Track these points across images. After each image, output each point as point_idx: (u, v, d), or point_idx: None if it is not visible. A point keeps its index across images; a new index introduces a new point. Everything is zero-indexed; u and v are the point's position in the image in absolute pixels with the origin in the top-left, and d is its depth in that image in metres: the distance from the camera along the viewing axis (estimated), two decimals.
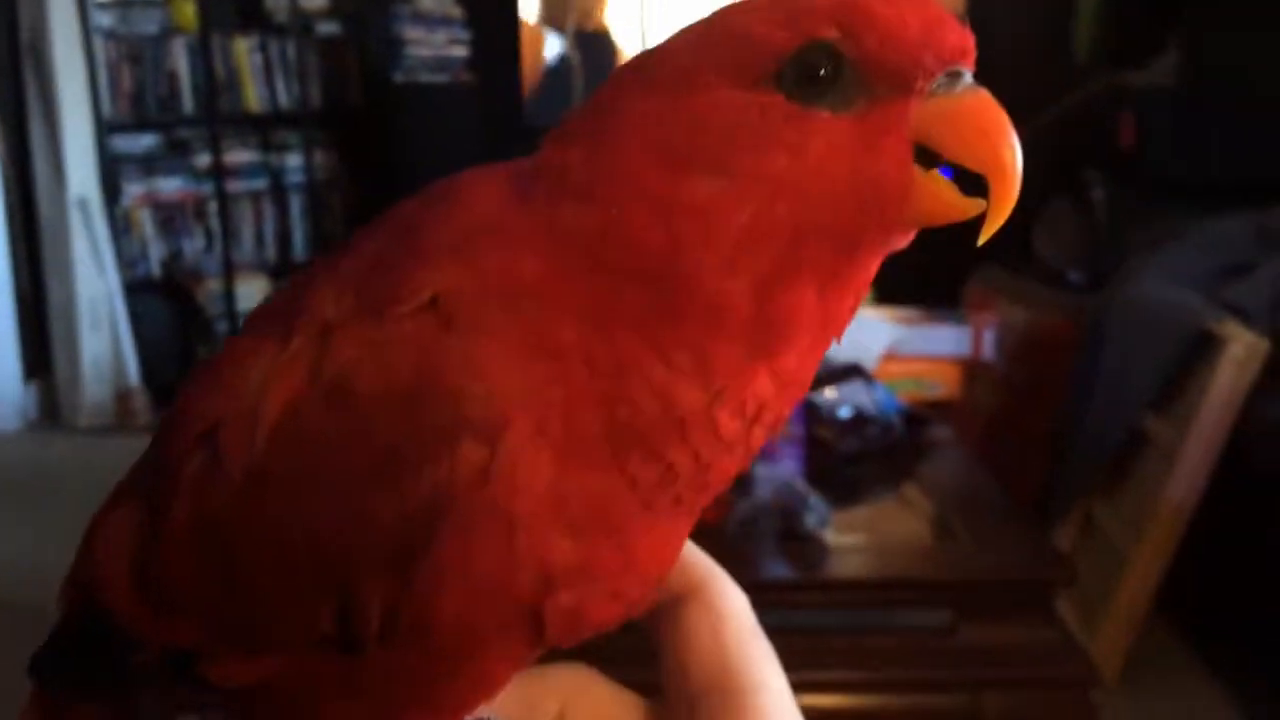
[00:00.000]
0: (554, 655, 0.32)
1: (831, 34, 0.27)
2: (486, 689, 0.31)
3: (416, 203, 0.31)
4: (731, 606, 0.34)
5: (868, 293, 0.30)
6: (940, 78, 0.28)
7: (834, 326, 0.29)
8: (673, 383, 0.27)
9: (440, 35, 3.71)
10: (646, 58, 0.29)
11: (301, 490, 0.27)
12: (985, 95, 0.28)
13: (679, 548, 0.31)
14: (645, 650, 0.35)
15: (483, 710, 0.33)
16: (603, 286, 0.27)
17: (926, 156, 0.28)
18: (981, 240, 0.28)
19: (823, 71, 0.27)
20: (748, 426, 0.28)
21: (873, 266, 0.29)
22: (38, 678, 0.35)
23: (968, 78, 0.28)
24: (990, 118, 0.27)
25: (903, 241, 0.29)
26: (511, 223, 0.28)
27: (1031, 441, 2.46)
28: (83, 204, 3.44)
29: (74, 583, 0.33)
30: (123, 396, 3.51)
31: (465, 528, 0.26)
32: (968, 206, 0.27)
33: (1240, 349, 1.98)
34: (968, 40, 0.28)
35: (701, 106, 0.27)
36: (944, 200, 0.27)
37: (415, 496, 0.26)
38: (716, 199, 0.27)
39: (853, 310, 0.29)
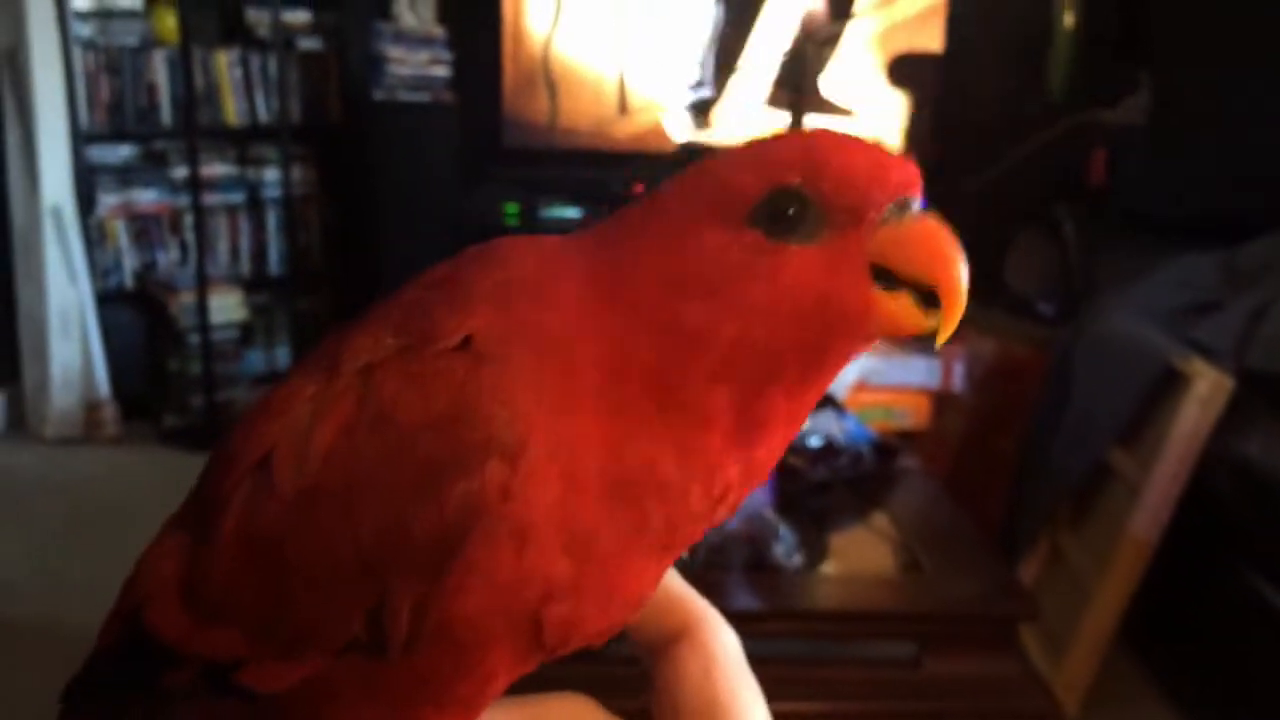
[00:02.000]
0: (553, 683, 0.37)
1: (795, 180, 0.32)
2: (490, 690, 0.34)
3: (451, 263, 0.36)
4: (723, 647, 0.36)
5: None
6: (890, 208, 0.32)
7: (799, 422, 0.34)
8: (658, 458, 0.32)
9: (422, 54, 3.71)
10: (653, 197, 0.34)
11: (349, 504, 0.31)
12: (931, 221, 0.32)
13: (653, 584, 0.35)
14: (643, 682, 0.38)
15: None
16: (613, 368, 0.32)
17: (888, 277, 0.32)
18: (938, 345, 0.32)
19: (790, 211, 0.32)
20: (714, 505, 0.33)
21: (837, 371, 0.33)
22: (68, 703, 0.38)
23: (915, 205, 0.32)
24: (936, 240, 0.32)
25: (866, 349, 0.33)
26: (547, 283, 0.33)
27: (999, 472, 2.48)
28: (56, 213, 3.42)
29: (119, 611, 0.36)
30: (91, 407, 3.48)
31: (489, 535, 0.30)
32: (922, 322, 0.32)
33: (1205, 387, 2.00)
34: (912, 174, 0.33)
35: (694, 243, 0.32)
36: (901, 316, 0.32)
37: (450, 506, 0.30)
38: (706, 322, 0.31)
39: (814, 405, 0.34)
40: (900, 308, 0.32)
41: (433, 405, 0.31)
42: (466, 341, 0.32)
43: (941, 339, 0.32)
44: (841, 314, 0.32)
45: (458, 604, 0.31)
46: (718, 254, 0.32)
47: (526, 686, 0.36)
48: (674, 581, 0.38)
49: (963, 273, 0.31)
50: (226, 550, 0.33)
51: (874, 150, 0.33)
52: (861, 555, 1.52)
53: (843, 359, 0.33)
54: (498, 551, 0.30)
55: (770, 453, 0.33)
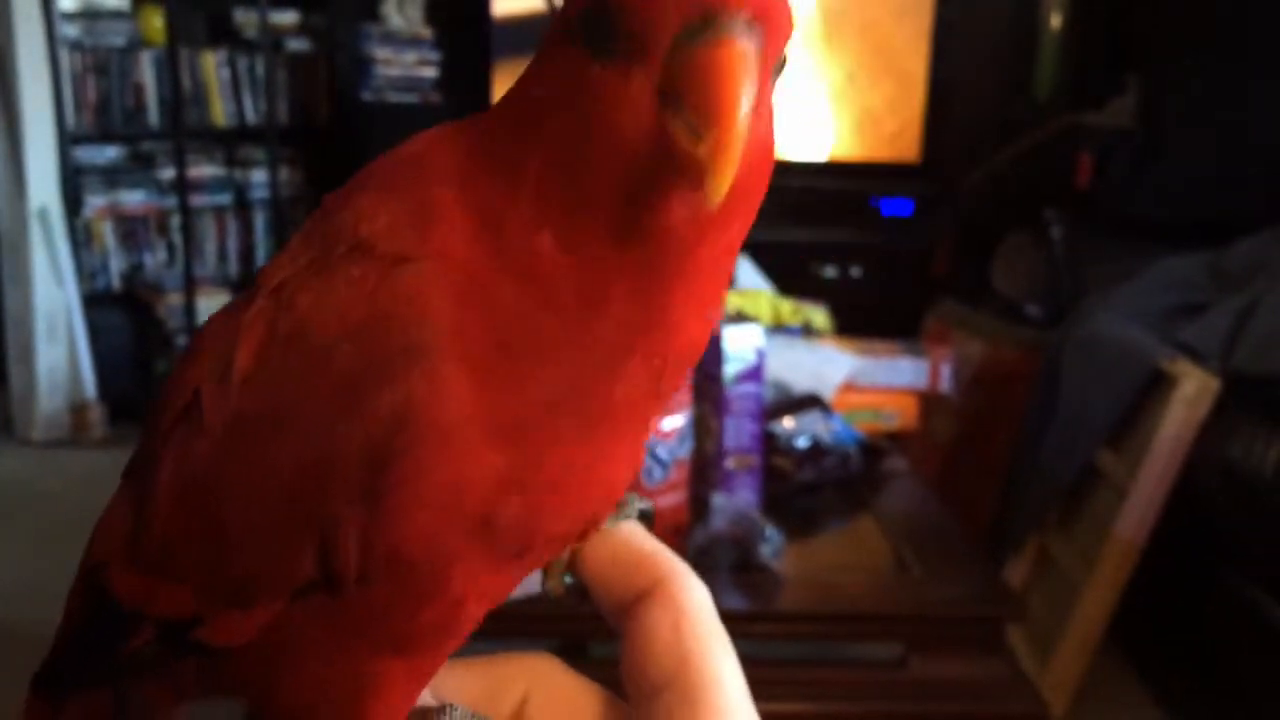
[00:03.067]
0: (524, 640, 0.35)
1: None
2: (462, 616, 0.32)
3: (367, 167, 0.33)
4: (693, 602, 0.34)
5: (729, 278, 0.30)
6: (688, 28, 0.26)
7: (704, 294, 0.30)
8: (540, 320, 0.29)
9: (410, 55, 3.71)
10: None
11: (275, 432, 0.29)
12: (723, 48, 0.26)
13: (623, 468, 0.33)
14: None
15: (449, 700, 0.34)
16: (491, 227, 0.29)
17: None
18: (711, 199, 0.26)
19: (599, 27, 0.27)
20: (651, 374, 0.30)
21: (677, 224, 0.28)
22: (37, 688, 0.36)
23: (729, 28, 0.26)
24: (715, 69, 0.25)
25: (697, 200, 0.27)
26: (433, 157, 0.31)
27: (987, 474, 2.49)
28: (43, 215, 3.41)
29: (80, 577, 0.35)
30: (78, 410, 3.47)
31: (421, 441, 0.28)
32: (694, 154, 0.26)
33: (1192, 388, 2.01)
34: None
35: (536, 68, 0.30)
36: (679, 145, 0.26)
37: (376, 419, 0.28)
38: (522, 151, 0.29)
39: (721, 278, 0.30)
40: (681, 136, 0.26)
41: (348, 316, 0.29)
42: (371, 241, 0.30)
43: (713, 186, 0.25)
44: (621, 145, 0.27)
45: (404, 523, 0.29)
46: (549, 77, 0.29)
47: None
48: (642, 539, 0.35)
49: (738, 107, 0.25)
50: (164, 500, 0.31)
51: None
52: (848, 557, 1.52)
53: (670, 209, 0.27)
54: (433, 456, 0.28)
55: (678, 327, 0.30)
